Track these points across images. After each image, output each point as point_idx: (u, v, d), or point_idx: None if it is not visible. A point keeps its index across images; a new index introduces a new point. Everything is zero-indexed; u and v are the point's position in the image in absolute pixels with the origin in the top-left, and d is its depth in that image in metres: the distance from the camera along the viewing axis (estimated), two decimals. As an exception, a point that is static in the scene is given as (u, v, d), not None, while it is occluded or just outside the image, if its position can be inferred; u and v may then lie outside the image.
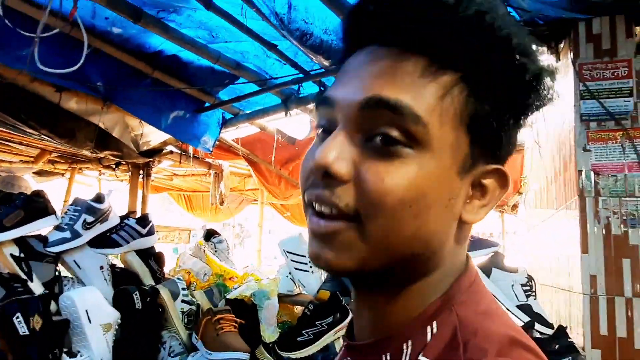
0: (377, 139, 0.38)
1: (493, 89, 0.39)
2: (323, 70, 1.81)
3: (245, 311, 1.59)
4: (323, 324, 1.44)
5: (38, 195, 1.51)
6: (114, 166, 3.39)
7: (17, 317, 1.17)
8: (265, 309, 1.52)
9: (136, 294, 1.47)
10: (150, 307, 1.50)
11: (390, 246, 0.39)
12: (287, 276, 1.78)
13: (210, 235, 2.09)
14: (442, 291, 0.42)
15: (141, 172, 3.20)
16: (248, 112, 2.43)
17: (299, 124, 2.74)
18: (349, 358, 0.47)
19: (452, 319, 0.40)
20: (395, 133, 0.37)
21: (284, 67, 1.95)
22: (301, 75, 1.90)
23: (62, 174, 4.15)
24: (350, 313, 1.53)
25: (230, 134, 2.97)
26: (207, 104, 2.30)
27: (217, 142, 2.54)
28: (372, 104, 0.38)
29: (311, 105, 2.17)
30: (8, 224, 1.40)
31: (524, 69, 0.39)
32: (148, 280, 1.79)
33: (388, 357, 0.41)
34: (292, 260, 1.77)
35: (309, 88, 2.04)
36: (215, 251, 2.00)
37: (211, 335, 1.42)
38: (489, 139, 0.41)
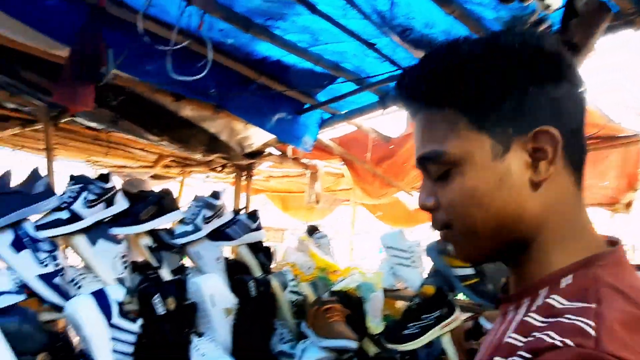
0: (435, 174, 0.55)
1: (479, 100, 0.52)
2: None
3: (350, 303, 1.63)
4: (430, 318, 1.44)
5: (167, 192, 1.70)
6: (220, 168, 3.67)
7: (156, 299, 1.33)
8: (370, 301, 1.55)
9: (251, 283, 1.59)
10: (264, 296, 1.61)
11: (477, 232, 0.53)
12: (388, 271, 1.80)
13: (312, 231, 2.17)
14: (574, 253, 0.51)
15: (244, 173, 3.43)
16: (345, 111, 2.49)
17: (395, 121, 2.74)
18: (503, 308, 0.58)
19: (588, 274, 0.48)
20: (440, 166, 0.54)
21: (382, 64, 1.97)
22: (399, 72, 1.90)
23: (174, 177, 4.57)
24: (457, 309, 1.51)
25: (326, 134, 3.06)
26: (307, 105, 2.40)
27: (315, 142, 2.64)
28: (419, 161, 0.57)
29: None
30: (143, 217, 1.60)
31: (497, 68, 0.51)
32: (257, 272, 1.92)
33: (528, 300, 0.51)
34: (393, 256, 1.79)
35: (407, 85, 2.03)
36: (318, 246, 2.08)
37: (321, 324, 1.48)
38: (503, 122, 0.51)
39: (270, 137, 3.04)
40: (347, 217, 6.30)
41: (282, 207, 5.83)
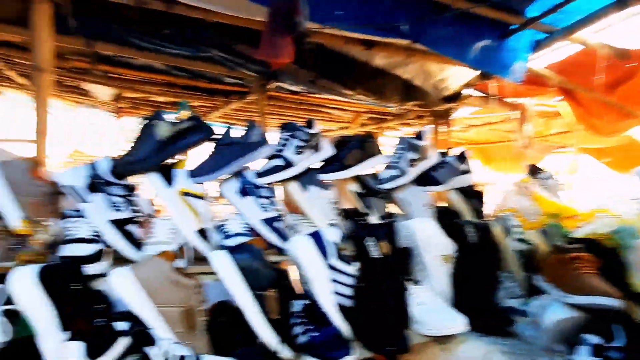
0: None
1: None
2: None
3: (601, 253, 1.29)
4: None
5: (369, 136, 1.63)
6: (415, 119, 3.51)
7: (367, 241, 1.27)
8: (636, 249, 1.19)
9: (469, 227, 1.40)
10: (485, 243, 1.41)
11: None
12: (653, 215, 1.37)
13: (535, 171, 1.84)
14: None
15: (441, 121, 3.19)
16: (565, 26, 2.01)
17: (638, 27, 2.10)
18: None
19: None
20: None
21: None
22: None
23: (369, 136, 4.60)
24: None
25: (538, 62, 2.57)
26: (514, 26, 2.02)
27: (526, 71, 2.22)
28: None
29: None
30: (348, 162, 1.56)
31: None
32: (470, 219, 1.71)
33: None
34: (660, 194, 1.35)
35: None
36: (544, 188, 1.74)
37: (566, 277, 1.21)
38: None
39: (470, 76, 2.72)
40: (560, 167, 5.43)
41: (483, 159, 5.35)
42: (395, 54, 2.40)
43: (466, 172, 1.75)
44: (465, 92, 2.98)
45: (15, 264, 1.07)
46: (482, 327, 1.24)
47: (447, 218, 1.65)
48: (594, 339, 1.07)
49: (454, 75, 2.68)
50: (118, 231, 1.25)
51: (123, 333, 0.71)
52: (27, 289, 0.90)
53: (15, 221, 1.17)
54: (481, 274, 1.39)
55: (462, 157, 1.75)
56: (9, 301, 0.94)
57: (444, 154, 1.75)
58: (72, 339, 0.68)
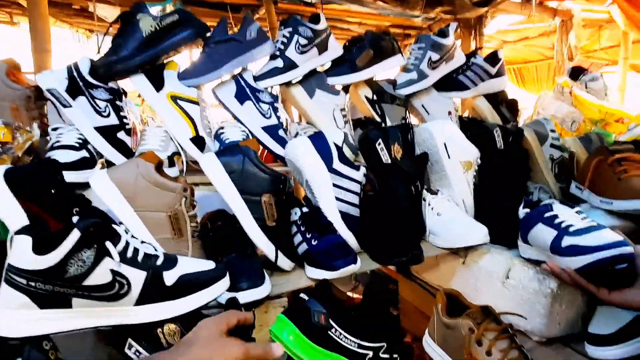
0: None
1: None
2: None
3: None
4: None
5: (385, 33, 1.43)
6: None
7: (379, 144, 1.13)
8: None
9: (497, 131, 1.23)
10: (513, 148, 1.24)
11: None
12: None
13: (578, 73, 1.60)
14: None
15: (472, 32, 2.89)
16: None
17: None
18: None
19: None
20: None
21: None
22: None
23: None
24: None
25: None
26: None
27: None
28: None
29: None
30: (360, 63, 1.38)
31: None
32: (500, 129, 1.53)
33: None
34: None
35: None
36: (588, 91, 1.52)
37: (609, 181, 1.04)
38: None
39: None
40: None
41: (516, 81, 4.99)
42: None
43: (497, 75, 1.54)
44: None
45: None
46: (505, 238, 1.11)
47: (473, 126, 1.48)
48: None
49: (489, -26, 2.36)
50: (106, 139, 1.16)
51: (76, 226, 0.62)
52: (-5, 189, 0.82)
53: (-7, 126, 1.09)
54: (507, 182, 1.24)
55: (493, 59, 1.54)
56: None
57: (472, 55, 1.54)
58: (18, 232, 0.60)
